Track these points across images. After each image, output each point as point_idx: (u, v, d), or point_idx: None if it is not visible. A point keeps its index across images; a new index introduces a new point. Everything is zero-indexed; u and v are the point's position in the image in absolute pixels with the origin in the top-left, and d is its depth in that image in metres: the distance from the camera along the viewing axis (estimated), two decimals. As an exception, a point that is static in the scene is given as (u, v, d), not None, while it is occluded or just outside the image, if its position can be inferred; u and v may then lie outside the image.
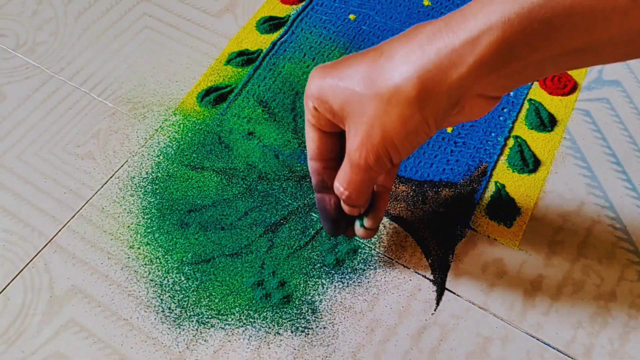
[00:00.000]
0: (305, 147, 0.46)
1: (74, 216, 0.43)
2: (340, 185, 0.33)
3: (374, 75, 0.28)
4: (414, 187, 0.44)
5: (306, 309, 0.39)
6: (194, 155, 0.46)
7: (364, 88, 0.28)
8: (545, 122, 0.47)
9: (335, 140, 0.33)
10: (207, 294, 0.40)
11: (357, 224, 0.37)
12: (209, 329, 0.38)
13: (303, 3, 0.56)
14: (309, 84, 0.31)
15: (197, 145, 0.46)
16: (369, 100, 0.28)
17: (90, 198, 0.44)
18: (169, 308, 0.39)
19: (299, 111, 0.48)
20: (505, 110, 0.48)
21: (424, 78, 0.26)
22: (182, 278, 0.40)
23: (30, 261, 0.41)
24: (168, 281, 0.40)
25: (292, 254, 0.41)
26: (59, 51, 0.53)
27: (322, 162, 0.34)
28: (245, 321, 0.39)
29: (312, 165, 0.35)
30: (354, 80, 0.29)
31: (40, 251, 0.42)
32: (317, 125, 0.32)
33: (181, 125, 0.48)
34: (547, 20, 0.24)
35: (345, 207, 0.35)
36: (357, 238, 0.41)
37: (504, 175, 0.44)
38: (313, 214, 0.43)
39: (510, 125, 0.47)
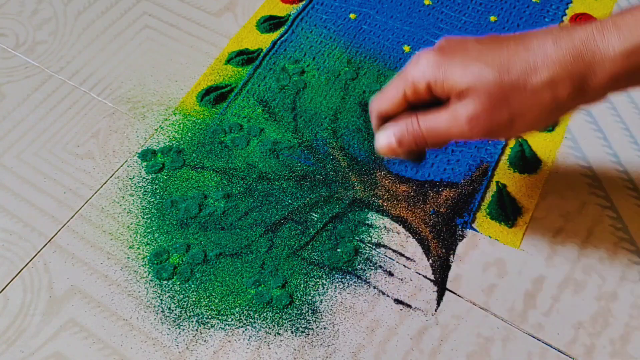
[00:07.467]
0: (305, 146, 0.46)
1: (73, 216, 0.43)
2: (424, 128, 0.33)
3: (517, 66, 0.31)
4: (414, 187, 0.44)
5: (306, 309, 0.39)
6: (193, 155, 0.46)
7: (502, 74, 0.31)
8: (547, 121, 0.47)
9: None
10: (207, 294, 0.39)
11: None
12: (209, 329, 0.38)
13: (303, 2, 0.55)
14: (422, 65, 0.32)
15: (197, 145, 0.46)
16: (509, 88, 0.31)
17: (90, 198, 0.44)
18: (169, 308, 0.39)
19: (299, 111, 0.48)
20: (506, 109, 0.48)
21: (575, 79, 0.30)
22: (182, 278, 0.40)
23: (29, 261, 0.41)
24: (168, 281, 0.40)
25: (292, 254, 0.41)
26: (58, 50, 0.53)
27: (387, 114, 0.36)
28: (245, 321, 0.38)
29: (375, 112, 0.36)
30: (491, 65, 0.31)
31: (39, 251, 0.41)
32: (410, 96, 0.33)
33: (181, 125, 0.47)
34: None
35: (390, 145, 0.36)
36: (356, 238, 0.41)
37: (505, 175, 0.44)
38: (313, 214, 0.43)
39: (511, 124, 0.47)
